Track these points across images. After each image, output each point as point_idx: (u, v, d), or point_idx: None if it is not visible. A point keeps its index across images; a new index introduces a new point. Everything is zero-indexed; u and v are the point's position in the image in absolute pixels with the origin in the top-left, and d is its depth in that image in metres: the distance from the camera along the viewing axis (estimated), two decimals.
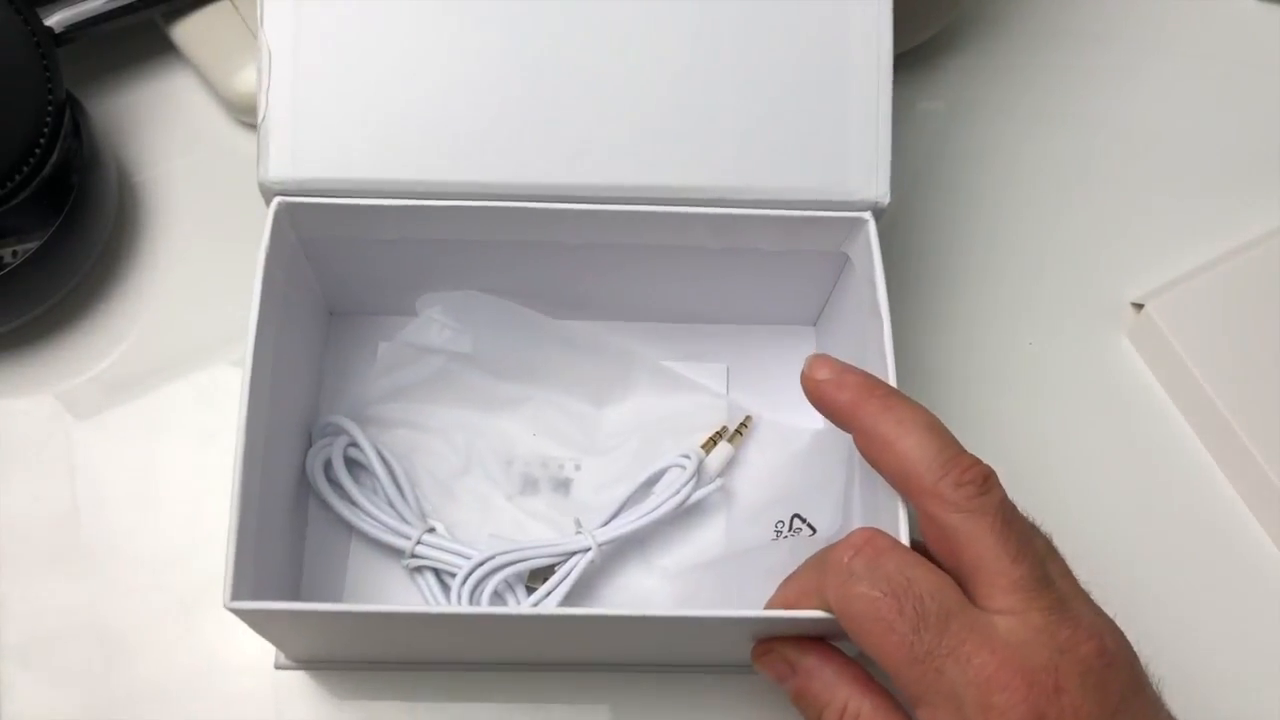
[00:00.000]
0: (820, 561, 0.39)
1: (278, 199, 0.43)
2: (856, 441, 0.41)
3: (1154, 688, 0.38)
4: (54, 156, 0.49)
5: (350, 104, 0.43)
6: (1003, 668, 0.35)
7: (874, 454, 0.40)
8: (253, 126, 0.56)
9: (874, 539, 0.38)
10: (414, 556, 0.46)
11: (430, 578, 0.47)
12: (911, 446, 0.38)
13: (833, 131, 0.45)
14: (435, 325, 0.50)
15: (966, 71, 0.61)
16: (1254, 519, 0.52)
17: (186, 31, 0.54)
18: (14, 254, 0.50)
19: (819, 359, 0.42)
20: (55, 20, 0.51)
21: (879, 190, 0.45)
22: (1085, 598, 0.38)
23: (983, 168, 0.59)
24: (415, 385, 0.50)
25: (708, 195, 0.44)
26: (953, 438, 0.39)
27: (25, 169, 0.48)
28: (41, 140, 0.48)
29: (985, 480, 0.37)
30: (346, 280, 0.50)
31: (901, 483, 0.39)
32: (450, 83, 0.44)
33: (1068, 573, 0.39)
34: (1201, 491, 0.53)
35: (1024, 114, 0.60)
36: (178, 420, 0.51)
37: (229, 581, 0.38)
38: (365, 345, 0.52)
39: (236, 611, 0.38)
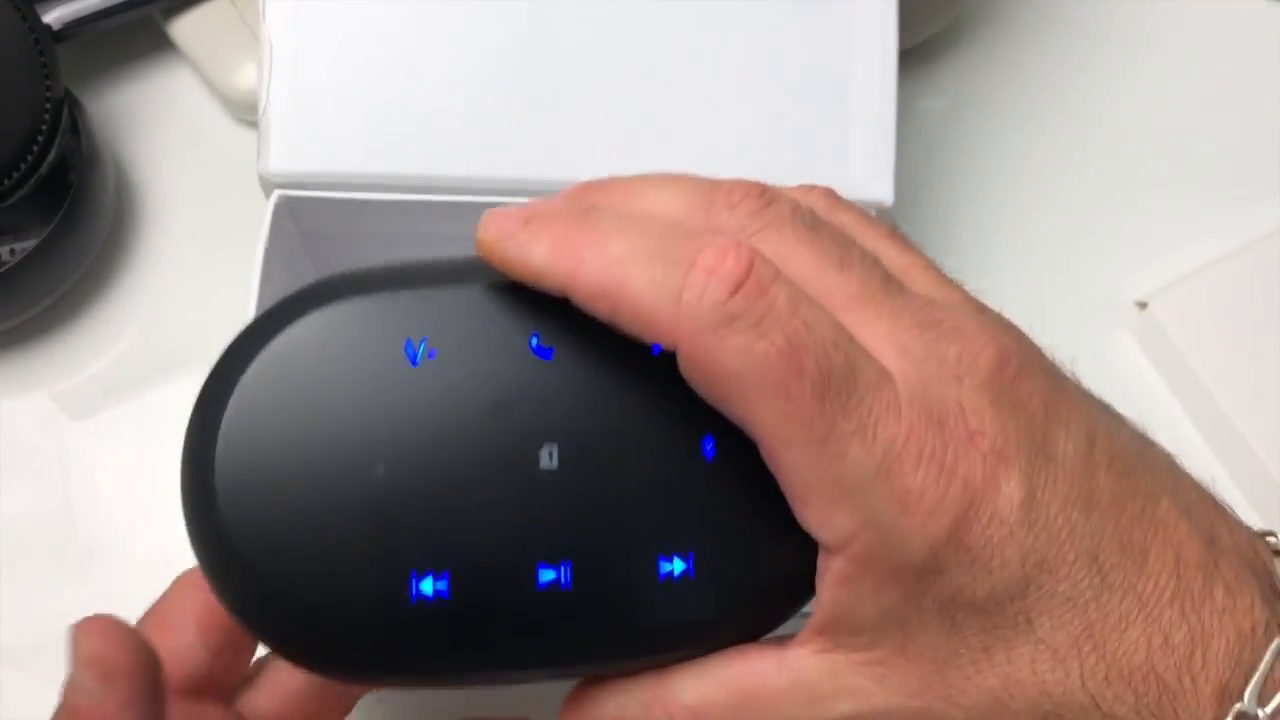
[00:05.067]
0: (661, 273, 0.27)
1: (278, 192, 0.43)
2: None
3: (1071, 376, 0.32)
4: (52, 154, 0.49)
5: (353, 97, 0.43)
6: (912, 432, 0.27)
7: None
8: (252, 124, 0.56)
9: (755, 239, 0.28)
10: None
11: None
12: (659, 206, 0.29)
13: (836, 131, 0.44)
14: None
15: (968, 69, 0.61)
16: (1259, 521, 0.52)
17: (185, 28, 0.54)
18: (11, 252, 0.50)
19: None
20: (53, 17, 0.51)
21: (883, 191, 0.44)
22: (952, 289, 0.31)
23: (984, 165, 0.59)
24: None
25: None
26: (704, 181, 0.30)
27: (23, 166, 0.48)
28: (39, 138, 0.48)
29: (763, 192, 0.29)
30: None
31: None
32: (453, 77, 0.43)
33: (923, 265, 0.31)
34: None
35: (1026, 111, 0.60)
36: (176, 420, 0.50)
37: None
38: None
39: None
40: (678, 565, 0.30)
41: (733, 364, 0.26)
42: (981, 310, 0.30)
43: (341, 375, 0.30)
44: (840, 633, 0.28)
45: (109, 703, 0.27)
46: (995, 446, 0.27)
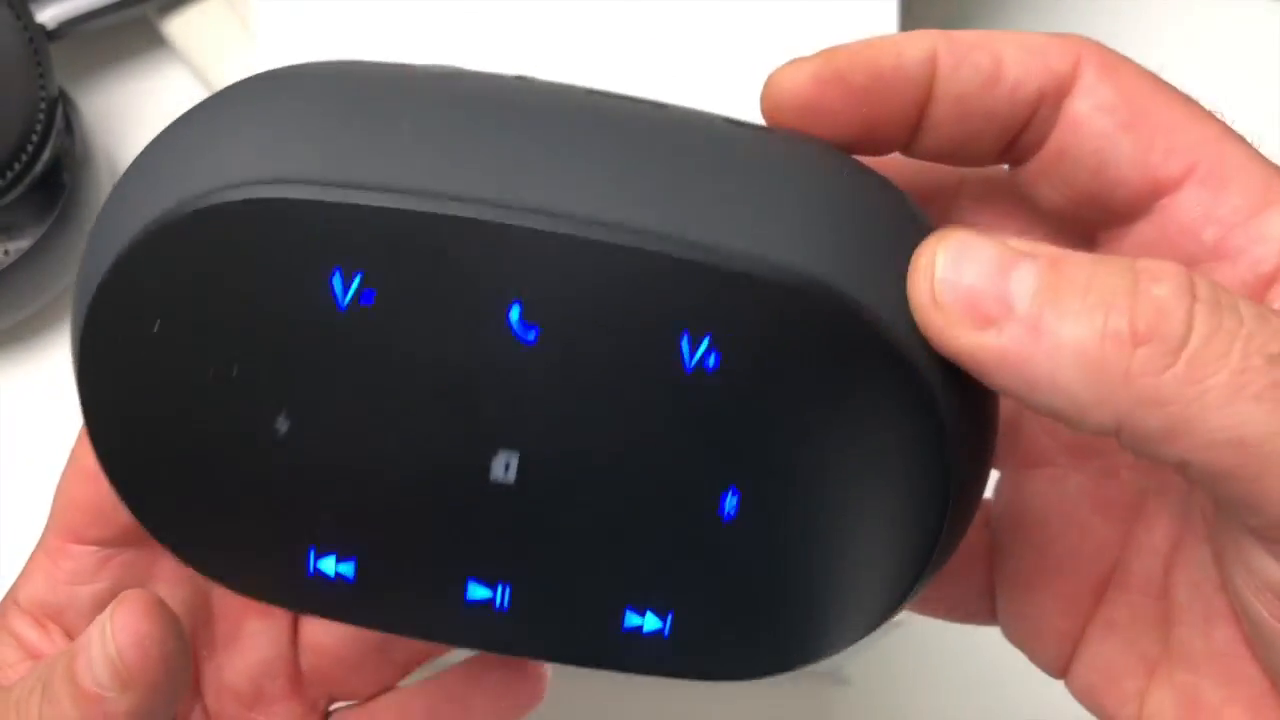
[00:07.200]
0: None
1: None
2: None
3: None
4: (46, 154, 0.48)
5: None
6: None
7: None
8: None
9: None
10: None
11: None
12: None
13: None
14: None
15: None
16: None
17: (179, 27, 0.54)
18: (5, 253, 0.50)
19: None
20: (48, 16, 0.50)
21: None
22: None
23: None
24: None
25: None
26: None
27: (17, 167, 0.47)
28: (34, 138, 0.48)
29: None
30: None
31: None
32: None
33: None
34: None
35: None
36: None
37: None
38: None
39: None
40: (650, 622, 0.23)
41: None
42: None
43: (238, 298, 0.22)
44: None
45: (119, 705, 0.26)
46: None
